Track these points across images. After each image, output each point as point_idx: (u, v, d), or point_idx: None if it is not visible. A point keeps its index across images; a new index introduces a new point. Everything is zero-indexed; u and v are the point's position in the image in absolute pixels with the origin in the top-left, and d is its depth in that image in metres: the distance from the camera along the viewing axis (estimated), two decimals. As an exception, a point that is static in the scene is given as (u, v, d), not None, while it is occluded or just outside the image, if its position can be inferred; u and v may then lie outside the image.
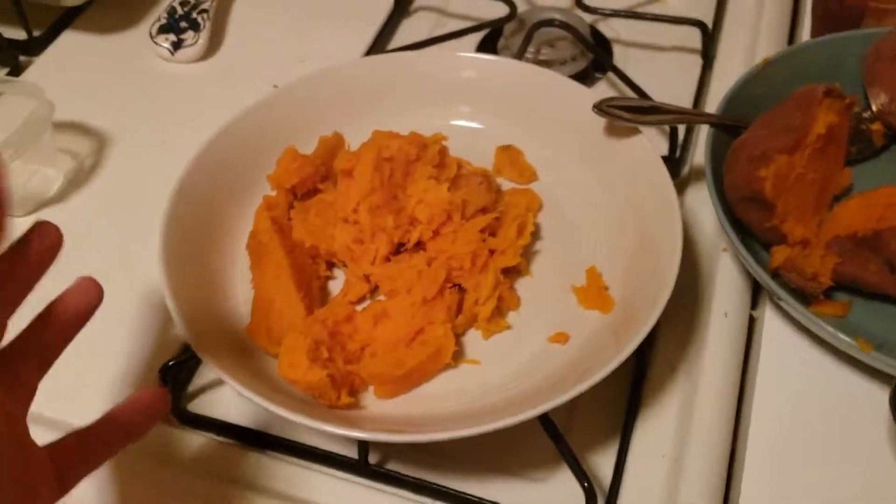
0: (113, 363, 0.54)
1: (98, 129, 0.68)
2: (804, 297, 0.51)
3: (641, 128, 0.55)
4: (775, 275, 0.52)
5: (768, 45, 0.71)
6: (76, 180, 0.65)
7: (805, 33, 0.72)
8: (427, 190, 0.51)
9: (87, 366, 0.53)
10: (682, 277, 0.56)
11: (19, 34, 0.74)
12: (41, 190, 0.64)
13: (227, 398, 0.52)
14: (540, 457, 0.48)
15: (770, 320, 0.54)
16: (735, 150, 0.53)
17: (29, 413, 0.49)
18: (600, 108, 0.54)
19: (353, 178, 0.51)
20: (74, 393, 0.50)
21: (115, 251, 0.60)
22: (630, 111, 0.55)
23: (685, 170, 0.63)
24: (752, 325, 0.55)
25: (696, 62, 0.71)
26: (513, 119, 0.60)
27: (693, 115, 0.56)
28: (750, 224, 0.53)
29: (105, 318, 0.55)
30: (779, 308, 0.54)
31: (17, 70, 0.72)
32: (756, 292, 0.57)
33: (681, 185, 0.62)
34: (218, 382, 0.52)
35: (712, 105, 0.68)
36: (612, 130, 0.56)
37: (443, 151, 0.54)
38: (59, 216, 0.63)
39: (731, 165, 0.53)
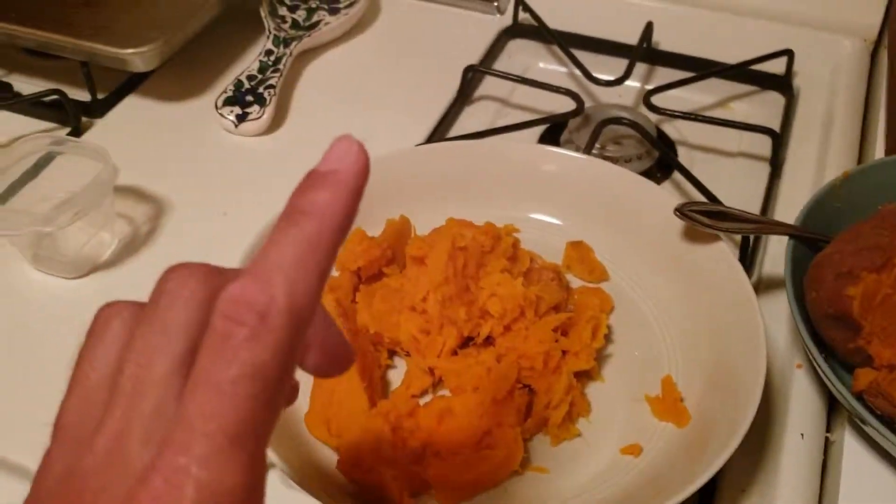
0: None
1: (156, 196, 0.67)
2: (890, 424, 0.49)
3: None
4: (858, 398, 0.50)
5: (838, 156, 0.70)
6: (130, 246, 0.64)
7: (878, 145, 0.71)
8: (501, 283, 0.49)
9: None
10: (754, 393, 0.54)
11: (84, 95, 0.74)
12: (95, 253, 0.62)
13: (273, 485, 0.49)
14: (606, 577, 0.45)
15: (850, 444, 0.51)
16: (820, 266, 0.51)
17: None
18: (682, 211, 0.53)
19: (424, 265, 0.50)
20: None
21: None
22: (709, 216, 0.53)
23: (754, 279, 0.61)
24: (826, 448, 0.53)
25: (762, 168, 0.70)
26: (588, 216, 0.58)
27: (773, 226, 0.55)
28: (833, 343, 0.51)
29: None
30: (859, 431, 0.51)
31: (77, 131, 0.72)
32: (831, 413, 0.54)
33: (749, 297, 0.60)
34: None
35: (782, 213, 0.66)
36: (689, 235, 0.54)
37: (515, 244, 0.53)
38: (110, 281, 0.61)
39: (816, 281, 0.51)
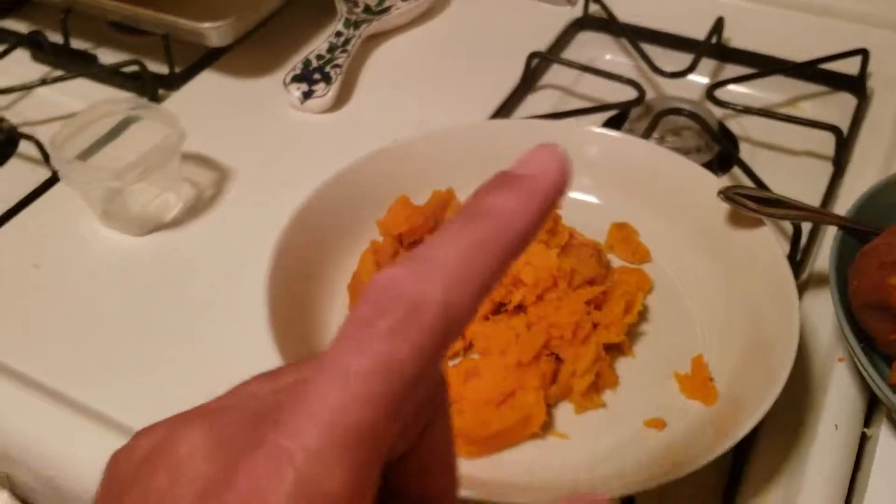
0: (191, 381, 0.54)
1: (222, 164, 0.70)
2: (927, 420, 0.47)
3: (765, 221, 0.53)
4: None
5: (906, 158, 0.69)
6: (194, 208, 0.66)
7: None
8: (535, 253, 0.50)
9: (169, 377, 0.54)
10: (792, 384, 0.53)
11: (162, 69, 0.78)
12: (159, 213, 0.65)
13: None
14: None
15: (885, 438, 0.50)
16: (865, 255, 0.50)
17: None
18: (726, 194, 0.52)
19: (462, 231, 0.51)
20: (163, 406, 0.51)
21: (222, 278, 0.61)
22: (755, 201, 0.53)
23: (805, 274, 0.60)
24: (863, 444, 0.52)
25: (826, 168, 0.69)
26: (632, 197, 0.58)
27: (822, 214, 0.54)
28: (874, 334, 0.50)
29: (205, 341, 0.57)
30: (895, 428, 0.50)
31: (154, 101, 0.75)
32: (871, 409, 0.53)
33: (799, 289, 0.59)
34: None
35: (841, 212, 0.65)
36: (734, 220, 0.54)
37: (556, 218, 0.53)
38: (172, 239, 0.64)
39: (860, 270, 0.50)
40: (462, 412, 0.46)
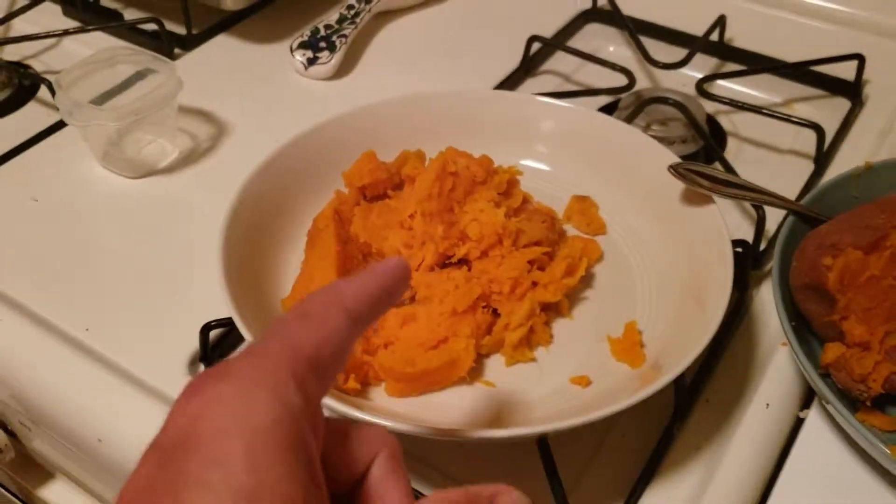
0: (167, 316, 0.57)
1: (221, 120, 0.73)
2: (852, 403, 0.48)
3: (718, 201, 0.54)
4: (826, 375, 0.49)
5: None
6: (189, 158, 0.70)
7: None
8: (483, 210, 0.52)
9: (146, 311, 0.58)
10: (734, 367, 0.54)
11: (180, 30, 0.81)
12: (155, 159, 0.69)
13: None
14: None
15: (813, 419, 0.51)
16: (807, 238, 0.51)
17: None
18: (676, 169, 0.54)
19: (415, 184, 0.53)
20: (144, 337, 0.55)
21: (206, 222, 0.63)
22: (709, 179, 0.54)
23: (769, 265, 0.61)
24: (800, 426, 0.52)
25: (809, 167, 0.70)
26: (589, 169, 0.60)
27: (774, 198, 0.55)
28: (809, 316, 0.51)
29: (187, 278, 0.60)
30: (825, 411, 0.51)
31: (170, 59, 0.79)
32: (811, 394, 0.54)
33: (760, 278, 0.60)
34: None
35: (814, 208, 0.66)
36: (688, 196, 0.55)
37: (512, 182, 0.55)
38: (165, 183, 0.68)
39: (800, 252, 0.51)
40: (393, 352, 0.48)
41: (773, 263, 0.52)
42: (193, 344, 0.55)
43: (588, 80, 0.79)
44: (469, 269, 0.52)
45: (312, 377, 0.29)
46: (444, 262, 0.53)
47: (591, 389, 0.49)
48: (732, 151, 0.72)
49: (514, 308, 0.50)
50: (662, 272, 0.54)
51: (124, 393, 0.53)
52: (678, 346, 0.49)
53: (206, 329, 0.53)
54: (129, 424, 0.52)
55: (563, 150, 0.61)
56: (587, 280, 0.54)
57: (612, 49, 0.84)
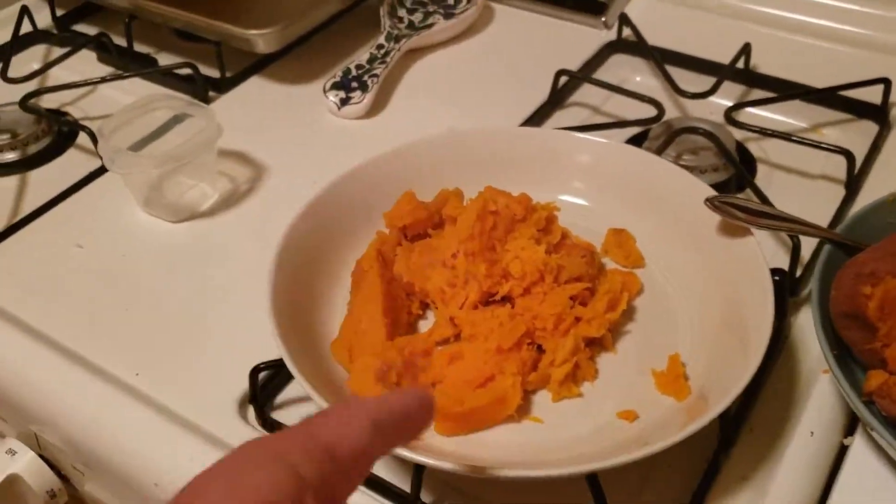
0: (214, 359, 0.58)
1: (258, 161, 0.75)
2: (897, 428, 0.49)
3: (755, 231, 0.55)
4: (870, 402, 0.50)
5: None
6: (229, 201, 0.71)
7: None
8: (525, 248, 0.53)
9: (193, 354, 0.59)
10: (776, 394, 0.55)
11: (214, 73, 0.83)
12: (196, 203, 0.70)
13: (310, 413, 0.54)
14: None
15: (858, 446, 0.51)
16: (846, 266, 0.52)
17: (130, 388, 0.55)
18: (713, 202, 0.55)
19: (457, 224, 0.54)
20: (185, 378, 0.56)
21: (249, 264, 0.64)
22: (745, 211, 0.55)
23: (805, 291, 0.62)
24: (844, 454, 0.53)
25: (839, 192, 0.70)
26: (626, 203, 0.61)
27: (811, 228, 0.55)
28: (850, 343, 0.51)
29: (230, 322, 0.61)
30: (870, 438, 0.51)
31: (205, 102, 0.81)
32: (855, 421, 0.54)
33: (797, 305, 0.61)
34: (305, 397, 0.55)
35: (846, 232, 0.66)
36: (725, 228, 0.56)
37: (551, 219, 0.56)
38: (206, 227, 0.69)
39: (838, 281, 0.51)
40: (441, 390, 0.49)
41: (811, 290, 0.52)
42: (241, 385, 0.56)
43: (616, 110, 0.80)
44: (512, 307, 0.53)
45: (330, 464, 0.30)
46: (488, 300, 0.54)
47: (638, 423, 0.49)
48: (763, 178, 0.73)
49: (559, 344, 0.51)
50: (702, 303, 0.55)
51: (178, 436, 0.54)
52: (722, 377, 0.49)
53: (255, 371, 0.54)
54: (185, 467, 0.53)
55: (600, 185, 0.62)
56: (628, 313, 0.55)
57: (638, 79, 0.85)
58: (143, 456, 0.55)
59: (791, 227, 0.56)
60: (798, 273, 0.61)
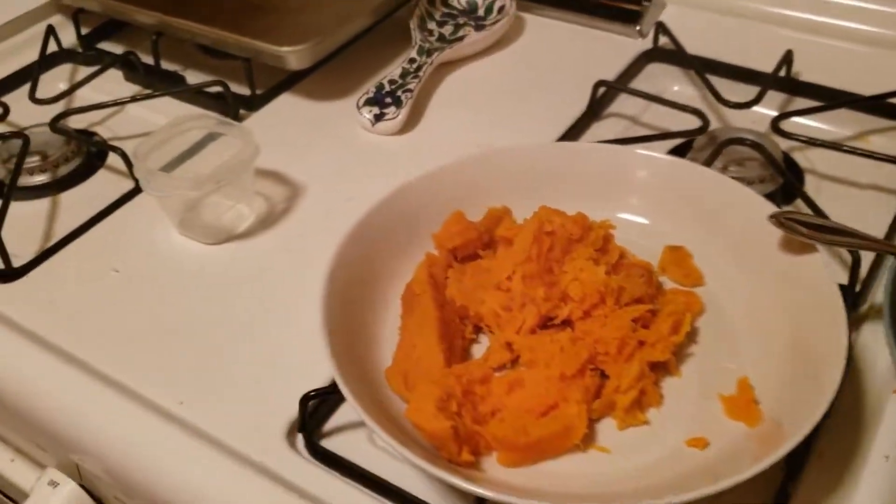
0: (259, 385, 0.57)
1: (293, 180, 0.73)
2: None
3: (820, 248, 0.53)
4: (949, 424, 0.48)
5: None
6: (266, 221, 0.70)
7: None
8: (583, 269, 0.51)
9: (236, 380, 0.57)
10: (845, 414, 0.53)
11: (244, 90, 0.82)
12: (233, 225, 0.69)
13: (360, 442, 0.53)
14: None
15: (937, 472, 0.49)
16: (920, 284, 0.50)
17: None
18: (778, 219, 0.53)
19: (512, 246, 0.52)
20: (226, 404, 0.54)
21: (289, 286, 0.63)
22: (808, 227, 0.53)
23: (865, 306, 0.60)
24: (917, 479, 0.51)
25: (892, 202, 0.68)
26: (684, 220, 0.59)
27: (878, 244, 0.54)
28: (926, 364, 0.49)
29: (270, 345, 0.59)
30: (949, 461, 0.49)
31: (236, 120, 0.79)
32: (928, 444, 0.52)
33: (858, 321, 0.59)
34: (354, 425, 0.54)
35: (905, 245, 0.64)
36: (788, 245, 0.54)
37: (607, 238, 0.55)
38: (245, 248, 0.68)
39: (913, 298, 0.50)
40: (503, 420, 0.47)
41: (870, 305, 0.50)
42: (288, 413, 0.54)
43: (655, 121, 0.78)
44: (573, 331, 0.51)
45: None
46: (545, 324, 0.52)
47: (709, 451, 0.47)
48: (811, 189, 0.71)
49: (623, 369, 0.49)
50: (765, 323, 0.53)
51: (224, 466, 0.53)
52: (794, 402, 0.47)
53: (305, 399, 0.52)
54: (231, 498, 0.51)
55: (656, 201, 0.60)
56: (690, 335, 0.53)
57: (676, 88, 0.83)
58: (188, 486, 0.53)
59: (853, 243, 0.54)
60: (857, 287, 0.59)
